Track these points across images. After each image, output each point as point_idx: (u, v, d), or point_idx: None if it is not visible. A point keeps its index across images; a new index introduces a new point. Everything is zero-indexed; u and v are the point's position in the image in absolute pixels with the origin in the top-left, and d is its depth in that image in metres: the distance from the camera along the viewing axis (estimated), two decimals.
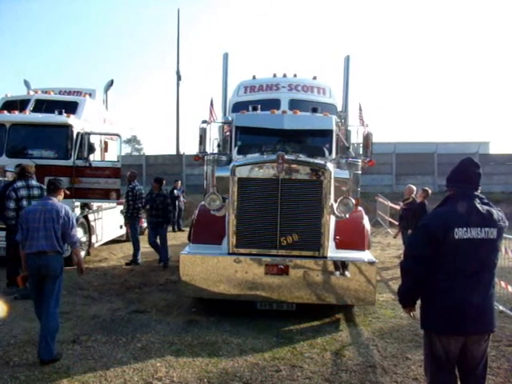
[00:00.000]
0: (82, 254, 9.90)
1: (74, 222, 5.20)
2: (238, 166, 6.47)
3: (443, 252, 3.09)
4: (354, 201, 6.67)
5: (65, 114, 9.84)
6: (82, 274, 5.35)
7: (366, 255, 6.49)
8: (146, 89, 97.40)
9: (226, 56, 10.76)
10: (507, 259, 7.30)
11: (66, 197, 9.58)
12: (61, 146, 9.74)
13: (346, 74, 10.22)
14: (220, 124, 9.78)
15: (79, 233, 9.87)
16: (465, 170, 3.27)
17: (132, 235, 10.66)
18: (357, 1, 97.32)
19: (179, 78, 29.03)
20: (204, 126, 8.84)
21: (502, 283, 7.03)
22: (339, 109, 9.99)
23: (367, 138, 8.55)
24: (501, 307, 6.74)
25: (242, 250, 6.34)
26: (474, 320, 3.09)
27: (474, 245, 3.08)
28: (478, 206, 3.15)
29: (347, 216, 6.58)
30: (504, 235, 3.37)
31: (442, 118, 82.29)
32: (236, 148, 8.07)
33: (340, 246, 6.59)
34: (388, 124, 77.12)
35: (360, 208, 7.58)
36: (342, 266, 6.22)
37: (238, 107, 9.42)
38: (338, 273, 6.22)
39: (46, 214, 4.97)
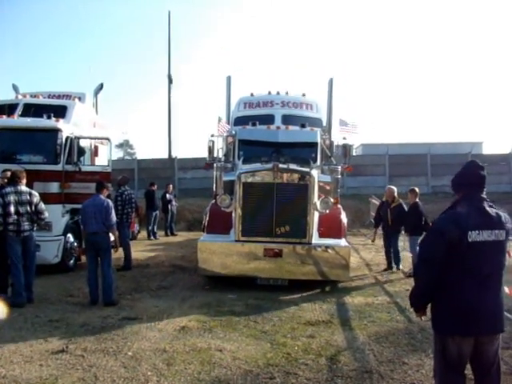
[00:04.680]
0: (72, 260, 10.12)
1: (112, 211, 7.42)
2: (242, 173, 8.20)
3: (456, 254, 3.11)
4: (332, 200, 8.38)
5: (54, 119, 9.67)
6: (116, 250, 7.87)
7: (342, 242, 8.27)
8: (139, 93, 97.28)
9: (229, 79, 12.21)
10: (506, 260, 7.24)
11: (56, 202, 9.56)
12: (50, 151, 9.56)
13: (330, 95, 11.74)
14: (225, 136, 11.44)
15: (70, 238, 9.95)
16: (471, 173, 3.32)
17: (122, 240, 10.49)
18: (351, 6, 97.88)
19: (170, 81, 28.83)
20: (213, 139, 10.90)
21: None
22: (324, 121, 11.74)
23: (345, 148, 10.44)
24: None
25: (245, 238, 8.02)
26: (486, 321, 3.14)
27: (485, 247, 3.12)
28: (488, 208, 3.21)
29: (327, 211, 8.21)
30: None
31: (434, 119, 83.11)
32: (241, 159, 9.61)
33: (322, 234, 8.30)
34: (381, 125, 77.55)
35: (339, 206, 9.13)
36: (323, 249, 7.95)
37: (240, 121, 11.39)
38: (320, 254, 7.92)
39: (96, 207, 7.26)
